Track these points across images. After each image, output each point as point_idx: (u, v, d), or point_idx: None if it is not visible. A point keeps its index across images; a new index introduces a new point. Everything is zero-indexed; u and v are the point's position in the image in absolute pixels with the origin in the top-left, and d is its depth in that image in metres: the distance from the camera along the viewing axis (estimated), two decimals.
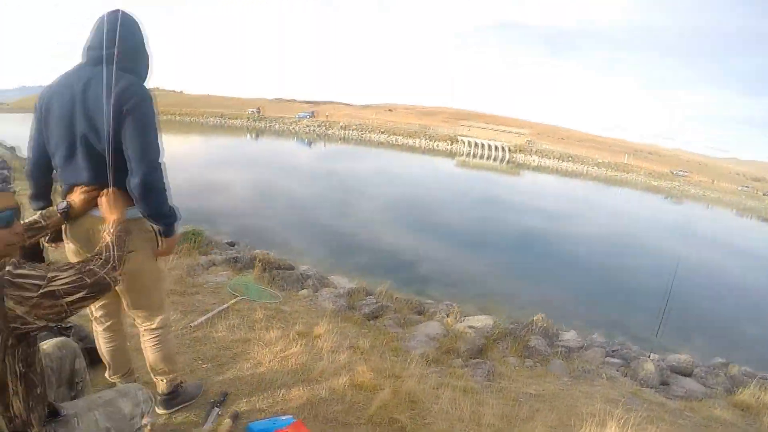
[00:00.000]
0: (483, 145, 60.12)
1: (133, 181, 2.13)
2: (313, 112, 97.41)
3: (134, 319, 2.71)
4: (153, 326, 2.68)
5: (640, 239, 21.85)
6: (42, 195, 2.45)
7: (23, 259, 1.54)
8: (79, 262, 1.67)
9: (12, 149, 19.98)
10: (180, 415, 2.96)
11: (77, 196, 2.26)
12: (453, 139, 63.04)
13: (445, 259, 13.42)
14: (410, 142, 64.36)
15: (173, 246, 2.50)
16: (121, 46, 2.19)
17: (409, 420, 3.25)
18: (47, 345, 2.19)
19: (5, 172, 1.63)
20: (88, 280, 1.62)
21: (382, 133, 70.74)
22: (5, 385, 1.47)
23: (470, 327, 6.60)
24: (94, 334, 2.86)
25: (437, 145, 61.33)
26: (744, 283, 16.94)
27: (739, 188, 75.08)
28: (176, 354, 2.93)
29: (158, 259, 2.59)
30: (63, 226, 2.38)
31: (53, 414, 1.76)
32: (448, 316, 7.48)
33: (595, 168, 59.79)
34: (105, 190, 2.19)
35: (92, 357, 2.99)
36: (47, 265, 1.62)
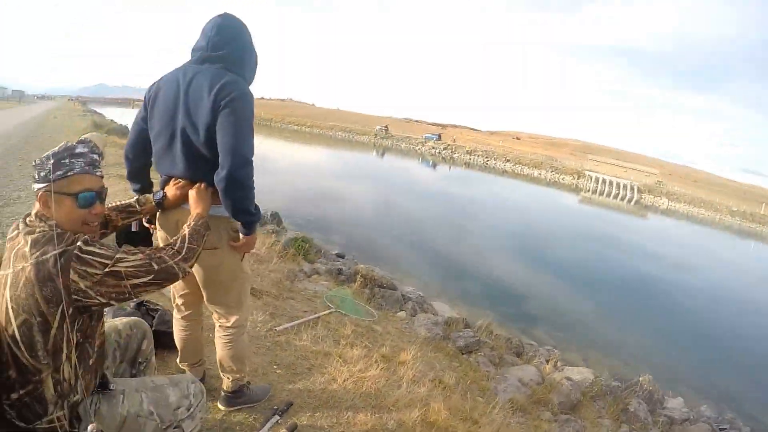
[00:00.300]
0: (610, 183, 56.69)
1: (220, 174, 2.13)
2: (439, 135, 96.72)
3: (212, 314, 2.75)
4: (227, 324, 2.70)
5: None
6: (137, 176, 2.57)
7: (128, 243, 1.65)
8: (151, 249, 1.76)
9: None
10: (239, 415, 2.95)
11: (172, 189, 2.35)
12: (579, 174, 60.17)
13: (555, 299, 12.76)
14: (535, 173, 62.21)
15: (252, 244, 2.49)
16: (225, 48, 2.28)
17: None
18: (120, 322, 2.30)
19: (95, 156, 1.74)
20: (155, 267, 1.69)
21: (507, 161, 68.96)
22: (60, 350, 1.59)
23: (568, 378, 6.16)
24: (173, 321, 2.95)
25: (562, 179, 58.77)
26: None
27: None
28: (246, 356, 2.92)
29: (244, 260, 2.60)
30: (156, 214, 2.48)
31: (103, 386, 1.84)
32: (547, 362, 7.09)
33: (729, 216, 54.26)
34: (196, 185, 2.26)
35: (169, 342, 3.10)
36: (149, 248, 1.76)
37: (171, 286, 2.78)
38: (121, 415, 1.82)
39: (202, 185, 2.26)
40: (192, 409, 1.99)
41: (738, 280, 22.64)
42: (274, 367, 3.68)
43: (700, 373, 9.93)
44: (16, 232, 1.65)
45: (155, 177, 2.54)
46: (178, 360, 3.01)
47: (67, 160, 1.65)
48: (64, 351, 1.61)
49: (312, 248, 8.77)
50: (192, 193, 2.25)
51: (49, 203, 1.64)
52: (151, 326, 3.32)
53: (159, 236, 2.54)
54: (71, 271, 1.52)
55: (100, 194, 1.77)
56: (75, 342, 1.63)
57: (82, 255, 1.56)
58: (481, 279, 13.20)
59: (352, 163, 49.60)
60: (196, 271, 2.48)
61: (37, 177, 1.66)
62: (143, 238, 2.62)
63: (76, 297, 1.55)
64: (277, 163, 35.10)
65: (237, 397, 2.95)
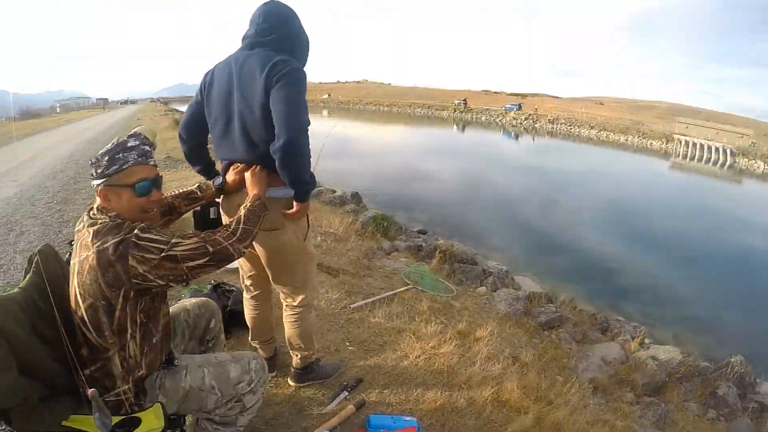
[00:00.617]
0: (701, 146, 51.84)
1: (277, 144, 2.18)
2: (520, 105, 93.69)
3: (279, 293, 2.87)
4: (294, 303, 2.82)
5: None
6: (193, 155, 2.71)
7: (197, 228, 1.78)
8: (206, 232, 1.87)
9: None
10: (308, 390, 3.08)
11: (231, 174, 2.46)
12: (668, 138, 55.87)
13: (644, 272, 12.20)
14: (621, 139, 59.00)
15: (304, 212, 2.53)
16: (273, 33, 2.34)
17: None
18: (189, 302, 2.49)
19: (146, 147, 1.87)
20: (210, 249, 1.80)
21: (592, 128, 65.96)
22: (124, 330, 1.75)
23: (653, 358, 5.90)
24: (243, 301, 3.11)
25: (650, 144, 55.07)
26: None
27: None
28: (314, 334, 3.02)
29: (308, 240, 2.68)
30: (220, 199, 2.62)
31: (169, 362, 2.00)
32: (633, 339, 6.79)
33: None
34: (253, 167, 2.35)
35: (244, 321, 3.24)
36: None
37: (240, 268, 2.93)
38: (183, 389, 1.96)
39: (257, 168, 2.34)
40: (253, 384, 2.10)
41: None
42: (347, 344, 3.77)
43: None
44: (81, 224, 1.82)
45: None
46: (249, 338, 3.18)
47: (120, 155, 1.78)
48: (129, 331, 1.77)
49: (392, 226, 8.81)
50: (248, 176, 2.33)
51: (109, 197, 1.80)
52: (227, 306, 3.53)
53: (224, 220, 2.65)
54: (130, 257, 1.65)
55: (156, 182, 1.89)
56: (139, 322, 1.79)
57: (140, 242, 1.68)
58: (566, 252, 12.89)
59: (433, 139, 49.10)
60: (259, 252, 2.60)
61: (94, 174, 1.80)
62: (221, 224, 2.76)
63: (135, 281, 1.68)
64: (358, 144, 35.25)
65: (306, 373, 3.08)
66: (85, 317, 1.73)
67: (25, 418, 1.56)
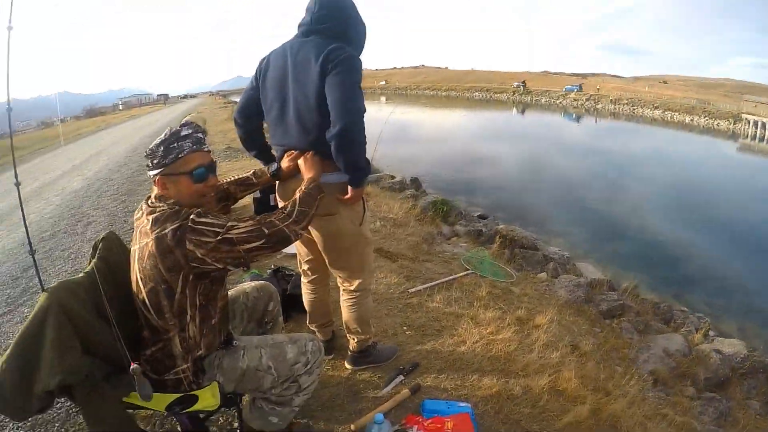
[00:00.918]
0: None
1: (332, 131, 2.18)
2: (580, 86, 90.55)
3: (337, 278, 2.88)
4: (351, 288, 2.83)
5: None
6: (248, 140, 2.74)
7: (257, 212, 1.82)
8: (262, 215, 1.89)
9: None
10: (365, 374, 3.09)
11: (285, 161, 2.49)
12: (735, 118, 52.25)
13: (712, 261, 11.59)
14: (687, 119, 55.65)
15: (358, 197, 2.53)
16: (328, 21, 2.33)
17: None
18: (249, 286, 2.56)
19: (200, 134, 1.91)
20: (266, 231, 1.82)
21: (656, 108, 62.67)
22: (184, 311, 1.81)
23: (717, 351, 5.60)
24: (301, 285, 3.14)
25: (717, 124, 51.43)
26: None
27: None
28: (371, 318, 3.03)
29: (364, 224, 2.68)
30: (276, 185, 2.65)
31: (228, 342, 2.06)
32: (697, 331, 6.52)
33: None
34: (306, 153, 2.35)
35: (303, 305, 3.28)
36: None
37: (297, 253, 2.97)
38: (240, 368, 2.00)
39: (310, 153, 2.34)
40: (309, 365, 2.13)
41: None
42: (404, 328, 3.76)
43: None
44: (140, 213, 1.87)
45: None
46: (307, 321, 3.22)
47: (175, 144, 1.82)
48: (189, 313, 1.82)
49: (451, 210, 8.77)
50: (301, 162, 2.34)
51: (167, 185, 1.84)
52: (286, 290, 3.58)
53: (280, 205, 2.65)
54: (187, 242, 1.69)
55: (211, 167, 1.93)
56: (198, 304, 1.84)
57: (196, 226, 1.71)
58: (629, 238, 12.47)
59: (492, 122, 48.51)
60: (316, 237, 2.61)
61: (151, 165, 1.84)
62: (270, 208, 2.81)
63: (194, 264, 1.72)
64: (417, 130, 35.15)
65: (363, 357, 3.10)
66: (147, 301, 1.78)
67: (87, 394, 1.63)
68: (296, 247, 2.94)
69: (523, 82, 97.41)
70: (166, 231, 1.70)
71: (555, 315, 4.54)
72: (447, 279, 4.88)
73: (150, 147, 1.84)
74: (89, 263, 1.96)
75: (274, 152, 2.66)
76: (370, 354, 3.13)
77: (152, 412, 2.53)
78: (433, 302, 4.25)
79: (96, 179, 10.47)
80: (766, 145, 40.69)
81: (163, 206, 1.79)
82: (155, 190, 1.88)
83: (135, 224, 1.89)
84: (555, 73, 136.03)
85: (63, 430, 2.70)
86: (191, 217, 1.73)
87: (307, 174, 2.27)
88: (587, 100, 75.10)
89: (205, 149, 1.93)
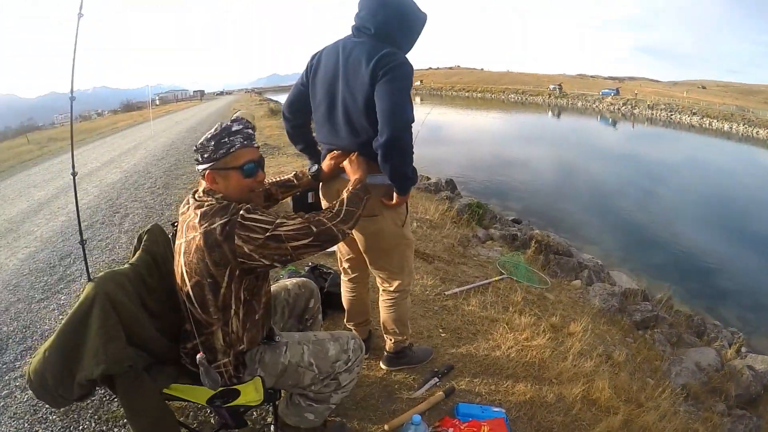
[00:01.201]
0: None
1: (379, 140, 2.16)
2: (617, 90, 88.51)
3: (376, 278, 2.87)
4: (390, 288, 2.82)
5: None
6: (296, 135, 2.75)
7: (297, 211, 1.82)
8: (310, 214, 1.89)
9: None
10: (400, 375, 3.08)
11: (327, 161, 2.48)
12: None
13: (747, 275, 11.37)
14: (725, 126, 53.94)
15: (403, 202, 2.52)
16: (379, 21, 2.29)
17: None
18: (290, 282, 2.56)
19: (250, 130, 1.91)
20: (314, 229, 1.81)
21: (693, 114, 60.87)
22: (228, 306, 1.80)
23: (750, 367, 5.51)
24: (341, 283, 3.14)
25: (756, 132, 49.53)
26: None
27: None
28: (408, 319, 3.02)
29: (406, 226, 2.67)
30: (320, 185, 2.65)
31: (270, 338, 2.06)
32: (730, 346, 6.42)
33: None
34: (351, 155, 2.34)
35: (340, 303, 3.29)
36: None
37: (338, 251, 2.97)
38: (282, 364, 2.01)
39: (355, 154, 2.33)
40: (350, 363, 2.13)
41: None
42: (440, 330, 3.75)
43: None
44: (186, 206, 1.88)
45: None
46: (345, 320, 3.22)
47: (226, 139, 1.82)
48: (233, 307, 1.82)
49: (486, 214, 8.73)
50: (346, 164, 2.33)
51: (216, 180, 1.84)
52: (324, 288, 3.60)
53: (323, 205, 2.68)
54: (236, 237, 1.69)
55: (260, 163, 1.94)
56: (243, 299, 1.84)
57: (245, 222, 1.71)
58: (665, 248, 12.31)
59: (528, 125, 48.17)
60: (357, 237, 2.60)
61: (200, 159, 1.85)
62: (317, 209, 2.82)
63: (241, 260, 1.72)
64: (452, 131, 35.06)
65: (399, 357, 3.09)
66: (191, 294, 1.79)
67: (129, 384, 1.63)
68: (337, 246, 2.93)
69: (560, 84, 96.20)
70: (215, 225, 1.70)
71: (589, 323, 4.52)
72: (482, 282, 4.85)
73: (200, 141, 1.85)
74: (133, 255, 1.98)
75: (320, 148, 2.66)
76: (406, 355, 3.11)
77: (185, 403, 2.55)
78: (468, 305, 4.23)
79: (134, 172, 10.61)
80: None
81: (211, 200, 1.80)
82: (203, 185, 1.89)
83: (180, 218, 1.90)
84: (591, 76, 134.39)
85: (96, 416, 2.73)
86: (241, 212, 1.73)
87: (353, 175, 2.27)
88: (624, 104, 73.65)
89: (255, 145, 1.93)
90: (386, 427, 2.58)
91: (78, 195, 6.41)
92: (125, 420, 2.65)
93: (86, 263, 1.89)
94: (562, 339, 4.03)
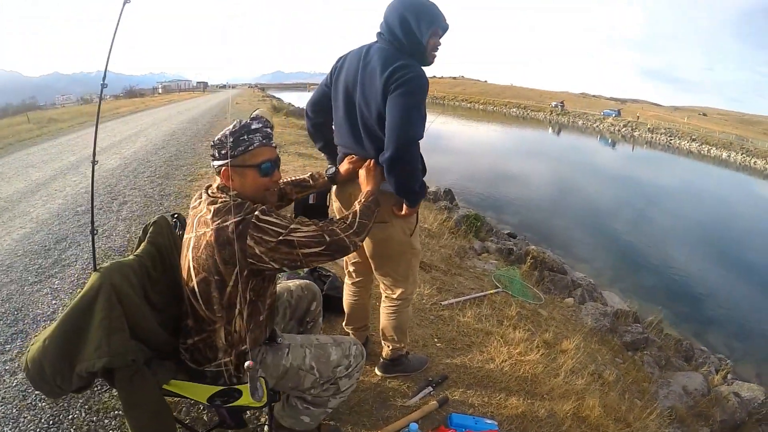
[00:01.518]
0: None
1: (384, 155, 2.17)
2: (619, 111, 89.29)
3: (380, 284, 2.88)
4: (393, 296, 2.83)
5: None
6: (317, 132, 2.77)
7: (302, 214, 1.81)
8: (324, 222, 1.89)
9: None
10: (394, 382, 3.09)
11: (345, 165, 2.49)
12: None
13: (736, 303, 11.46)
14: (723, 154, 54.57)
15: (412, 213, 2.53)
16: (391, 26, 2.30)
17: None
18: (293, 283, 2.55)
19: (269, 129, 1.91)
20: (327, 238, 1.81)
21: (693, 140, 61.56)
22: (233, 305, 1.79)
23: (736, 394, 5.56)
24: (344, 286, 3.15)
25: (754, 162, 50.32)
26: None
27: None
28: (407, 328, 3.02)
29: (414, 236, 2.67)
30: (333, 187, 2.66)
31: (272, 339, 2.06)
32: (717, 372, 6.47)
33: None
34: (367, 162, 2.35)
35: (338, 306, 3.33)
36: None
37: None
38: (284, 366, 2.00)
39: (371, 163, 2.33)
40: (350, 369, 2.12)
41: None
42: (435, 340, 3.77)
43: None
44: (198, 201, 1.87)
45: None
46: (344, 323, 3.22)
47: (245, 137, 1.82)
48: (237, 307, 1.81)
49: (483, 226, 8.76)
50: (362, 172, 2.34)
51: (232, 177, 1.83)
52: (322, 290, 3.60)
53: (335, 207, 2.71)
54: (248, 237, 1.69)
55: (277, 162, 1.94)
56: (248, 300, 1.82)
57: (259, 223, 1.71)
58: (657, 272, 12.36)
59: (528, 141, 48.33)
60: (365, 242, 2.60)
61: (217, 155, 1.84)
62: (318, 211, 2.84)
63: (251, 261, 1.71)
64: (452, 141, 35.13)
65: (395, 365, 3.10)
66: (197, 290, 1.78)
67: (129, 378, 1.60)
68: None
69: (562, 102, 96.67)
70: (228, 223, 1.70)
71: (581, 342, 4.56)
72: (478, 295, 4.88)
73: (218, 137, 1.84)
74: (138, 246, 1.96)
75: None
76: (402, 363, 3.12)
77: (178, 399, 2.53)
78: (464, 317, 4.25)
79: (133, 159, 10.56)
80: None
81: (225, 197, 1.79)
82: (217, 181, 1.88)
83: (191, 212, 1.89)
84: (594, 96, 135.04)
85: (87, 407, 2.70)
86: (256, 213, 1.73)
87: (365, 186, 2.28)
88: (624, 126, 74.13)
89: (273, 144, 1.93)
90: None
91: (77, 178, 6.40)
92: (117, 412, 2.64)
93: (94, 253, 1.86)
94: (555, 355, 4.07)
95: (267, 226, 1.72)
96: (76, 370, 1.55)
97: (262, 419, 2.53)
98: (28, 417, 2.63)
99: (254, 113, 1.98)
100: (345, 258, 3.00)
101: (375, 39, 2.41)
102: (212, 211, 1.74)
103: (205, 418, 2.59)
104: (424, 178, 2.49)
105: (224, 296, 1.77)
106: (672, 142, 62.36)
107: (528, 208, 16.58)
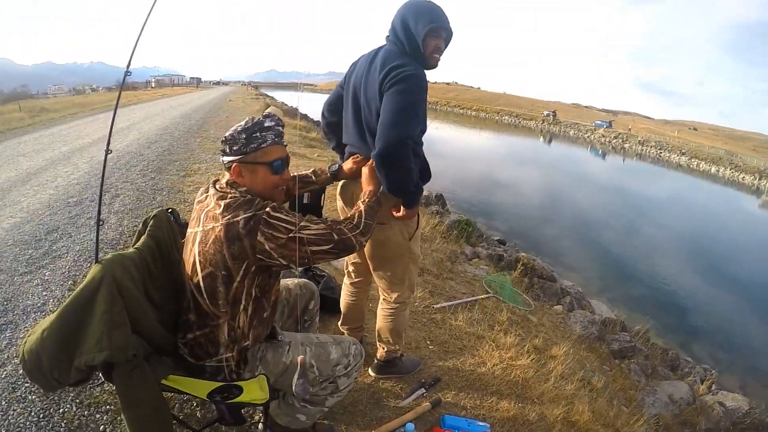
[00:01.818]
0: None
1: (374, 152, 2.18)
2: (610, 122, 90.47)
3: (378, 285, 2.89)
4: (390, 299, 2.84)
5: None
6: (329, 132, 2.84)
7: (298, 211, 1.83)
8: (332, 221, 1.90)
9: (317, 123, 23.31)
10: (388, 383, 3.12)
11: (349, 163, 2.51)
12: (761, 173, 51.16)
13: (721, 315, 11.60)
14: (712, 169, 55.15)
15: (412, 216, 2.52)
16: (393, 27, 2.35)
17: None
18: (292, 282, 2.55)
19: (280, 128, 1.93)
20: (336, 237, 1.82)
21: (683, 154, 62.19)
22: (239, 301, 1.80)
23: (720, 404, 5.64)
24: (342, 285, 3.17)
25: (742, 178, 51.00)
26: None
27: None
28: (403, 331, 3.04)
29: (413, 240, 2.68)
30: (339, 185, 2.69)
31: (272, 336, 2.06)
32: (702, 382, 6.56)
33: None
34: (369, 161, 2.34)
35: (332, 307, 3.35)
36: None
37: None
38: (284, 363, 2.01)
39: (374, 162, 2.31)
40: (349, 368, 2.13)
41: None
42: (428, 342, 3.80)
43: None
44: (205, 195, 1.89)
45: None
46: (339, 323, 3.24)
47: (258, 134, 1.83)
48: (242, 303, 1.82)
49: (474, 232, 8.79)
50: (365, 171, 2.34)
51: (243, 173, 1.85)
52: None
53: (338, 206, 2.75)
54: (258, 233, 1.70)
55: (287, 161, 1.96)
56: (253, 296, 1.84)
57: (270, 220, 1.72)
58: (644, 282, 12.48)
59: (519, 149, 48.58)
60: None
61: (228, 150, 1.85)
62: (312, 210, 2.85)
63: (260, 257, 1.72)
64: (443, 147, 35.29)
65: (389, 366, 3.11)
66: (201, 284, 1.78)
67: (128, 373, 1.58)
68: None
69: (554, 111, 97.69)
70: (239, 218, 1.71)
71: (570, 348, 4.61)
72: (469, 299, 4.91)
73: (230, 133, 1.85)
74: (137, 239, 1.95)
75: None
76: (396, 365, 3.14)
77: (172, 395, 2.52)
78: (456, 320, 4.29)
79: (126, 152, 10.48)
80: None
81: (235, 193, 1.80)
82: (226, 176, 1.89)
83: (197, 206, 1.89)
84: (586, 106, 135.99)
85: (78, 401, 2.67)
86: (267, 210, 1.74)
87: (367, 186, 2.28)
88: (615, 137, 74.66)
89: (284, 143, 1.95)
90: None
91: (69, 169, 6.34)
92: (108, 406, 2.62)
93: (97, 246, 1.85)
94: (545, 361, 4.11)
95: (277, 222, 1.73)
96: (75, 363, 1.52)
97: (256, 417, 2.52)
98: (18, 410, 2.58)
99: (268, 111, 1.97)
100: (346, 258, 3.01)
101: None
102: (222, 206, 1.75)
103: (198, 414, 2.58)
104: (428, 183, 2.51)
105: (230, 292, 1.77)
106: (662, 155, 62.81)
107: (517, 215, 16.66)
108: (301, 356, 1.70)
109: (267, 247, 1.71)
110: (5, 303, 3.78)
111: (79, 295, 1.56)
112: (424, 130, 2.45)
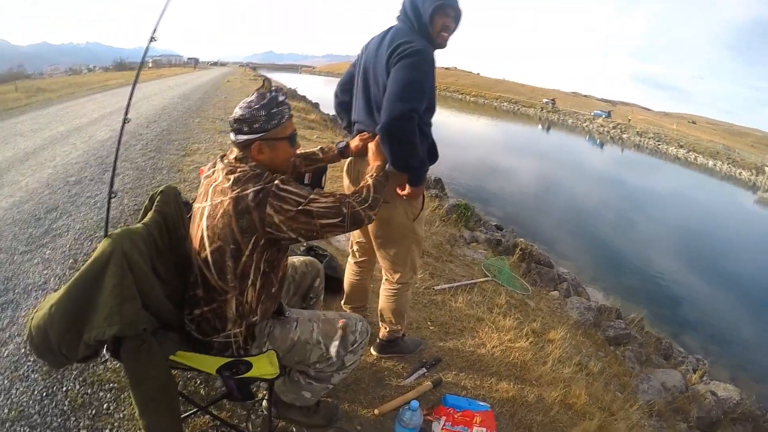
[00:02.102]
0: None
1: (379, 125, 2.18)
2: (609, 112, 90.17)
3: (381, 266, 2.91)
4: (392, 279, 2.86)
5: None
6: (341, 112, 2.86)
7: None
8: (341, 194, 1.90)
9: (316, 105, 23.11)
10: (389, 362, 3.15)
11: (356, 140, 2.53)
12: (758, 169, 51.14)
13: (714, 307, 11.67)
14: (710, 163, 54.53)
15: (415, 195, 2.51)
16: (410, 10, 2.35)
17: None
18: (297, 260, 2.56)
19: (288, 102, 1.91)
20: (345, 210, 1.83)
21: (681, 147, 61.62)
22: (247, 275, 1.80)
23: (712, 393, 5.71)
24: (347, 265, 3.19)
25: (739, 173, 50.38)
26: None
27: None
28: (405, 311, 3.06)
29: (417, 221, 2.69)
30: (346, 162, 2.70)
31: (279, 312, 2.07)
32: (694, 371, 6.60)
33: None
34: (376, 138, 2.34)
35: (334, 286, 3.39)
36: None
37: (351, 233, 2.98)
38: (291, 339, 2.02)
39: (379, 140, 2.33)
40: (355, 345, 2.14)
41: None
42: (429, 323, 3.84)
43: None
44: (212, 170, 1.88)
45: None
46: (342, 302, 3.27)
47: (276, 110, 1.82)
48: (251, 277, 1.81)
49: (472, 216, 8.80)
50: (371, 146, 2.35)
51: (264, 150, 1.83)
52: None
53: (344, 184, 2.77)
54: (268, 206, 1.69)
55: (294, 136, 1.95)
56: (262, 271, 1.83)
57: (280, 192, 1.72)
58: (639, 272, 12.53)
59: (517, 136, 48.45)
60: None
61: (248, 129, 1.81)
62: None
63: (269, 230, 1.72)
64: (441, 131, 35.23)
65: (391, 346, 3.14)
66: (210, 259, 1.78)
67: (137, 348, 1.56)
68: None
69: (553, 99, 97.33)
70: (248, 192, 1.70)
71: (566, 333, 4.65)
72: (469, 282, 4.94)
73: (245, 111, 1.81)
74: (144, 214, 1.94)
75: None
76: (398, 344, 3.17)
77: (175, 372, 2.53)
78: (456, 302, 4.32)
79: (125, 131, 10.42)
80: None
81: (244, 167, 1.79)
82: (234, 152, 1.87)
83: (204, 181, 1.89)
84: (585, 96, 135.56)
85: (81, 378, 2.66)
86: (276, 182, 1.74)
87: (374, 161, 2.27)
88: (614, 127, 74.37)
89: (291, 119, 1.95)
90: (376, 411, 2.63)
91: (67, 148, 6.31)
92: (112, 384, 2.62)
93: (107, 219, 1.84)
94: (543, 344, 4.16)
95: (287, 195, 1.73)
96: (84, 338, 1.51)
97: (260, 394, 2.52)
98: (21, 389, 2.57)
99: (273, 87, 1.96)
100: (351, 237, 3.04)
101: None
102: (231, 179, 1.75)
103: (202, 392, 2.60)
104: (434, 165, 2.52)
105: (239, 266, 1.77)
106: (660, 146, 62.45)
107: (515, 202, 16.65)
108: (343, 320, 1.74)
109: (276, 220, 1.71)
110: (6, 282, 3.76)
111: (89, 269, 1.54)
112: (433, 110, 2.45)
